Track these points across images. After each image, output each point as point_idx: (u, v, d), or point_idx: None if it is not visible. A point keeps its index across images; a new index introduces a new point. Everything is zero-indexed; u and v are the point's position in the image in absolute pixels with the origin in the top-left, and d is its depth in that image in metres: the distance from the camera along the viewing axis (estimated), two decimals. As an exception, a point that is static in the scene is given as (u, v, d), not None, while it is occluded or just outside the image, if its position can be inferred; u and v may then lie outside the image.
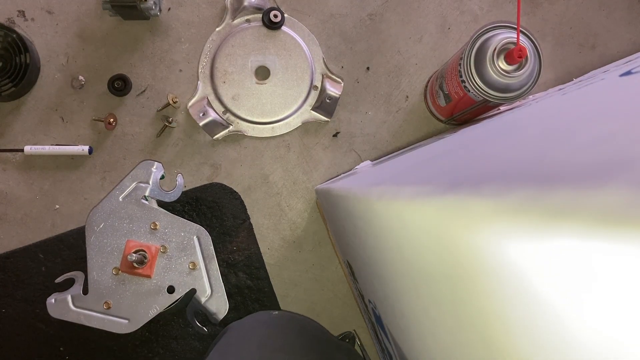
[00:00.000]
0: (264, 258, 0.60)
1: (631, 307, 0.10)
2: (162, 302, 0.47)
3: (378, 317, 0.40)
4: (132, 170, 0.49)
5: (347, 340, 0.59)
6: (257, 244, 0.60)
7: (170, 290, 0.48)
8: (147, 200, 0.49)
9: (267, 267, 0.60)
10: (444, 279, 0.19)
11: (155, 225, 0.48)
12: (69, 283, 0.49)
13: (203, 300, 0.48)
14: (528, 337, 0.14)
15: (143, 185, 0.49)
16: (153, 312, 0.47)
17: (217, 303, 0.49)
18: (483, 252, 0.15)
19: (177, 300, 0.48)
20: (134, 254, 0.46)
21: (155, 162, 0.50)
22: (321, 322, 0.60)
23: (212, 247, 0.49)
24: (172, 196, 0.50)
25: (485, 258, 0.15)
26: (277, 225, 0.61)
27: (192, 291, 0.48)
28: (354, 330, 0.60)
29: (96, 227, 0.48)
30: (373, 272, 0.35)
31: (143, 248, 0.47)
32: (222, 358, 0.45)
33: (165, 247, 0.48)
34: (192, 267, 0.48)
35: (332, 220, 0.51)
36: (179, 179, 0.52)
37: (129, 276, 0.47)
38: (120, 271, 0.47)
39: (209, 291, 0.49)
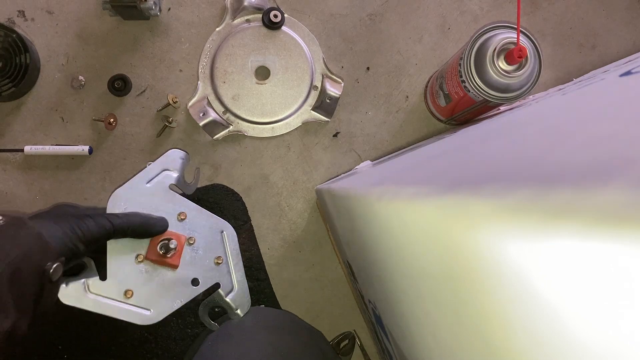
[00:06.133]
0: (264, 259, 0.60)
1: (631, 307, 0.10)
2: (185, 295, 0.45)
3: (378, 317, 0.40)
4: (160, 157, 0.48)
5: (347, 341, 0.59)
6: (258, 246, 0.60)
7: (195, 283, 0.46)
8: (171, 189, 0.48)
9: (267, 268, 0.60)
10: (444, 279, 0.19)
11: (184, 215, 0.46)
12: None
13: (226, 296, 0.47)
14: (528, 337, 0.14)
15: (171, 172, 0.47)
16: (177, 305, 0.45)
17: (240, 299, 0.48)
18: (483, 252, 0.15)
19: (200, 294, 0.47)
20: (164, 240, 0.44)
21: (184, 152, 0.48)
22: (321, 322, 0.60)
23: (237, 244, 0.48)
24: (192, 188, 0.49)
25: (486, 258, 0.15)
26: (277, 225, 0.61)
27: (216, 285, 0.47)
28: (354, 330, 0.60)
29: (118, 210, 0.45)
30: (373, 273, 0.35)
31: (172, 237, 0.45)
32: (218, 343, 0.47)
33: (192, 239, 0.46)
34: (217, 262, 0.47)
35: (332, 220, 0.51)
36: (197, 176, 0.51)
37: (153, 265, 0.45)
38: (145, 259, 0.44)
39: (232, 287, 0.47)
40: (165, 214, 0.45)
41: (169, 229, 0.45)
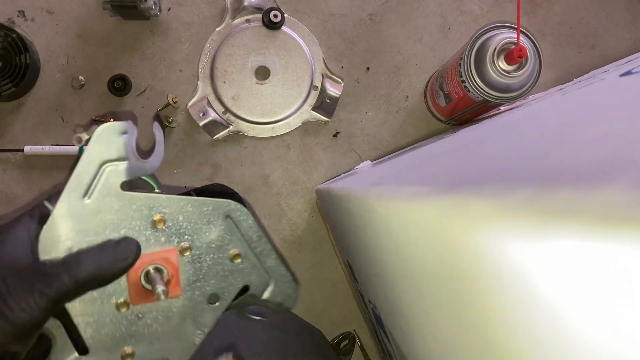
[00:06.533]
0: (264, 258, 0.60)
1: (631, 307, 0.10)
2: (206, 321, 0.33)
3: (378, 317, 0.40)
4: (85, 150, 0.29)
5: (347, 341, 0.59)
6: (257, 244, 0.60)
7: (213, 299, 0.32)
8: (126, 187, 0.31)
9: (267, 267, 0.60)
10: (444, 279, 0.19)
11: (162, 218, 0.31)
12: (45, 346, 0.31)
13: (264, 294, 0.34)
14: (528, 337, 0.14)
15: (115, 165, 0.30)
16: (199, 337, 0.33)
17: (283, 291, 0.34)
18: (483, 252, 0.15)
19: (226, 310, 0.34)
20: (148, 274, 0.30)
21: (122, 122, 0.29)
22: (321, 322, 0.60)
23: (255, 224, 0.33)
24: (155, 161, 0.31)
25: (486, 258, 0.15)
26: (277, 225, 0.61)
27: (245, 289, 0.34)
28: (354, 330, 0.60)
29: (58, 256, 0.29)
30: (373, 273, 0.35)
31: (156, 261, 0.31)
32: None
33: (186, 247, 0.31)
34: (235, 259, 0.33)
35: (332, 220, 0.51)
36: (157, 133, 0.32)
37: (145, 305, 0.31)
38: (131, 305, 0.31)
39: (267, 281, 0.34)
40: (133, 230, 0.30)
41: (145, 251, 0.30)
